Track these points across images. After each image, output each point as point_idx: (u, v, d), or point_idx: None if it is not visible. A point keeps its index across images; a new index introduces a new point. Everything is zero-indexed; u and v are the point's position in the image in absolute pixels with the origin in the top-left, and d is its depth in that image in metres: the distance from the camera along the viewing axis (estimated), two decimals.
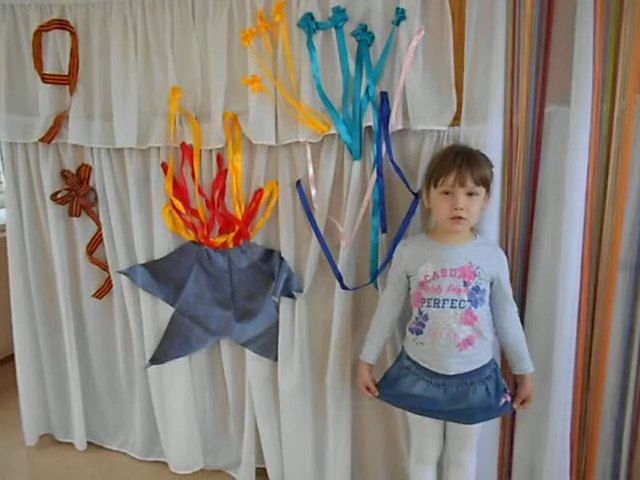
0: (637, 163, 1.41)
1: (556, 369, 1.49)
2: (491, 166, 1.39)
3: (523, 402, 1.44)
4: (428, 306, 1.37)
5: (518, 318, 1.44)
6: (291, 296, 1.73)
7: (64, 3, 1.72)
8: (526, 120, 1.44)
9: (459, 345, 1.35)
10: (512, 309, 1.43)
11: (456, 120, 1.49)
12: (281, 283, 1.69)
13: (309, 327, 1.74)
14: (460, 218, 1.33)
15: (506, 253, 1.50)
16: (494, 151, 1.45)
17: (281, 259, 1.71)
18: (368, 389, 1.51)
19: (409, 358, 1.44)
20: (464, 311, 1.34)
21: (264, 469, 1.90)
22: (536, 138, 1.46)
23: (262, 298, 1.76)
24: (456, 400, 1.36)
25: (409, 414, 1.51)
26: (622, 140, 1.38)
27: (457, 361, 1.36)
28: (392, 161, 1.53)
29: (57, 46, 1.76)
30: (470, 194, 1.34)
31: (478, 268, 1.36)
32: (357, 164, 1.56)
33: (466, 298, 1.34)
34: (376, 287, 1.62)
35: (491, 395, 1.38)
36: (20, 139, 1.85)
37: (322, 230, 1.63)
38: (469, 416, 1.39)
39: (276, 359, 1.77)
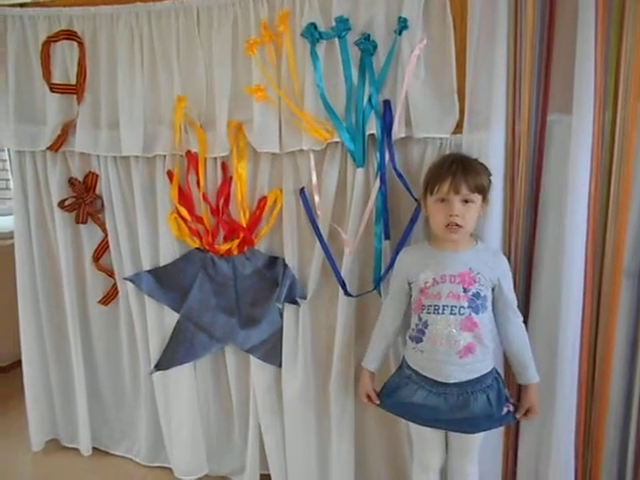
0: None
1: (560, 377, 1.48)
2: (489, 174, 1.39)
3: (527, 413, 1.42)
4: (428, 312, 1.36)
5: (523, 327, 1.42)
6: (295, 303, 1.73)
7: (72, 14, 1.75)
8: (528, 128, 1.45)
9: (459, 352, 1.33)
10: (516, 317, 1.41)
11: (458, 128, 1.50)
12: (285, 290, 1.70)
13: (313, 333, 1.74)
14: (456, 225, 1.33)
15: (509, 261, 1.50)
16: (496, 159, 1.46)
17: (285, 266, 1.71)
18: (369, 397, 1.51)
19: (409, 367, 1.43)
20: (464, 317, 1.33)
21: (268, 475, 1.90)
22: (538, 146, 1.47)
23: (266, 305, 1.76)
24: (457, 409, 1.35)
25: (411, 423, 1.49)
26: (624, 148, 1.38)
27: (457, 369, 1.34)
28: (395, 168, 1.54)
29: (65, 56, 1.79)
30: (466, 201, 1.33)
31: (478, 274, 1.35)
32: (360, 171, 1.57)
33: (466, 304, 1.33)
34: (379, 294, 1.63)
35: (492, 404, 1.36)
36: (28, 148, 1.88)
37: (325, 237, 1.64)
38: (471, 425, 1.38)
39: (280, 365, 1.78)
